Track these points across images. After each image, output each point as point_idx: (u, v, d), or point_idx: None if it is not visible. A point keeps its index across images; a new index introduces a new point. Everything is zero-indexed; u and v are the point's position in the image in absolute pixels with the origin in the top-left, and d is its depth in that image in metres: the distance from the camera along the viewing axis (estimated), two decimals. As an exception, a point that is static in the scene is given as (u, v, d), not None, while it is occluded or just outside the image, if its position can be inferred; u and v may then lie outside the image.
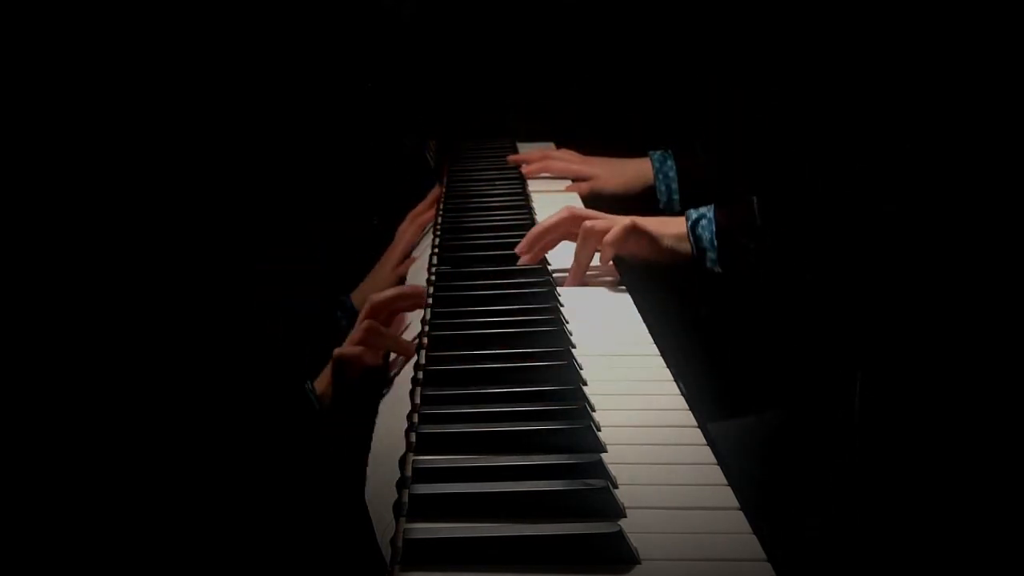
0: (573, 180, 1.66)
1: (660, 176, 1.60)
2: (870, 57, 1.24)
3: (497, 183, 1.61)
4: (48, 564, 1.03)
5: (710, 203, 1.27)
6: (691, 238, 1.24)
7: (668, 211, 1.56)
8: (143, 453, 1.09)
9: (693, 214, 1.26)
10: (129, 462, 1.08)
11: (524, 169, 1.70)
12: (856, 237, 1.20)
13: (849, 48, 1.28)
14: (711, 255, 1.23)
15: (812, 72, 1.37)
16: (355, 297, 1.51)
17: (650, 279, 1.30)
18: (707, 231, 1.24)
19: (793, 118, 1.42)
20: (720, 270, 1.24)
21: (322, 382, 1.16)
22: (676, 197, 1.58)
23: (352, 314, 1.47)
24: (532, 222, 1.40)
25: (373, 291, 1.48)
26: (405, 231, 1.59)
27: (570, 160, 1.70)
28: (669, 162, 1.60)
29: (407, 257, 1.55)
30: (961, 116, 1.10)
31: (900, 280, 1.14)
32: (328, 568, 1.09)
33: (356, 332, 1.14)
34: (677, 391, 0.93)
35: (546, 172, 1.69)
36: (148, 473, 1.08)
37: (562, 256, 1.32)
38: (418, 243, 1.55)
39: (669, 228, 1.26)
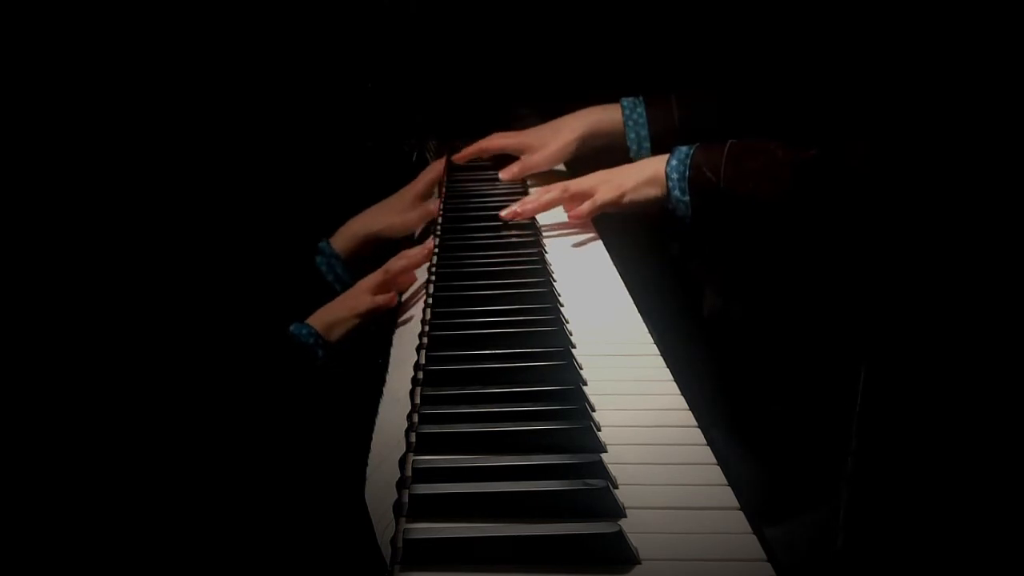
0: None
1: (630, 124, 1.53)
2: (857, 20, 1.25)
3: (497, 183, 1.61)
4: (47, 558, 1.03)
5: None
6: (665, 172, 1.34)
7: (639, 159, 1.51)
8: (140, 447, 1.09)
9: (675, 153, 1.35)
10: (127, 457, 1.08)
11: (456, 156, 1.65)
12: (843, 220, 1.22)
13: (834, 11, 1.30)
14: (676, 193, 1.32)
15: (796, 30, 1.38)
16: (362, 220, 1.50)
17: (651, 276, 1.30)
18: (680, 164, 1.33)
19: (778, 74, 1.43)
20: (685, 211, 1.32)
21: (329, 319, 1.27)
22: (647, 145, 1.51)
23: (333, 258, 1.47)
24: (532, 221, 1.40)
25: (384, 215, 1.51)
26: (431, 169, 1.58)
27: (504, 136, 1.63)
28: (640, 109, 1.53)
29: (430, 196, 1.55)
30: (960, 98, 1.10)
31: (903, 272, 1.14)
32: (328, 568, 1.09)
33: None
34: (677, 391, 0.93)
35: (481, 154, 1.64)
36: (146, 469, 1.08)
37: (562, 255, 1.32)
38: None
39: (640, 174, 1.36)
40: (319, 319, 1.28)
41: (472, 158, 1.64)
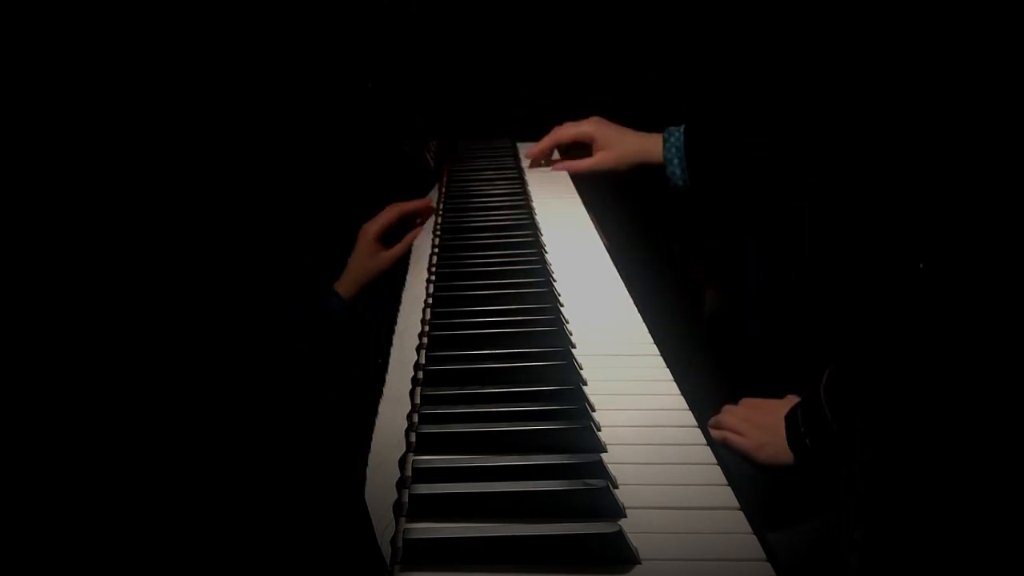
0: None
1: (671, 148, 1.52)
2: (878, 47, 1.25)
3: (497, 183, 1.61)
4: (49, 559, 1.03)
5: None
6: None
7: (678, 190, 1.53)
8: (142, 446, 1.09)
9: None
10: (128, 455, 1.08)
11: (533, 152, 1.71)
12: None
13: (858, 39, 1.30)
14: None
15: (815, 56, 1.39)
16: (352, 274, 1.53)
17: (651, 276, 1.30)
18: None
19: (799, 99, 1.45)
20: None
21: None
22: (681, 171, 1.51)
23: (340, 304, 1.48)
24: (532, 222, 1.40)
25: (362, 267, 1.54)
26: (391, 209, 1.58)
27: (569, 126, 1.65)
28: (677, 133, 1.52)
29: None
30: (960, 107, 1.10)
31: (906, 275, 1.14)
32: (328, 568, 1.09)
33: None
34: (677, 391, 0.93)
35: (556, 144, 1.68)
36: (147, 468, 1.08)
37: (562, 255, 1.32)
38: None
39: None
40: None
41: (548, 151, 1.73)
